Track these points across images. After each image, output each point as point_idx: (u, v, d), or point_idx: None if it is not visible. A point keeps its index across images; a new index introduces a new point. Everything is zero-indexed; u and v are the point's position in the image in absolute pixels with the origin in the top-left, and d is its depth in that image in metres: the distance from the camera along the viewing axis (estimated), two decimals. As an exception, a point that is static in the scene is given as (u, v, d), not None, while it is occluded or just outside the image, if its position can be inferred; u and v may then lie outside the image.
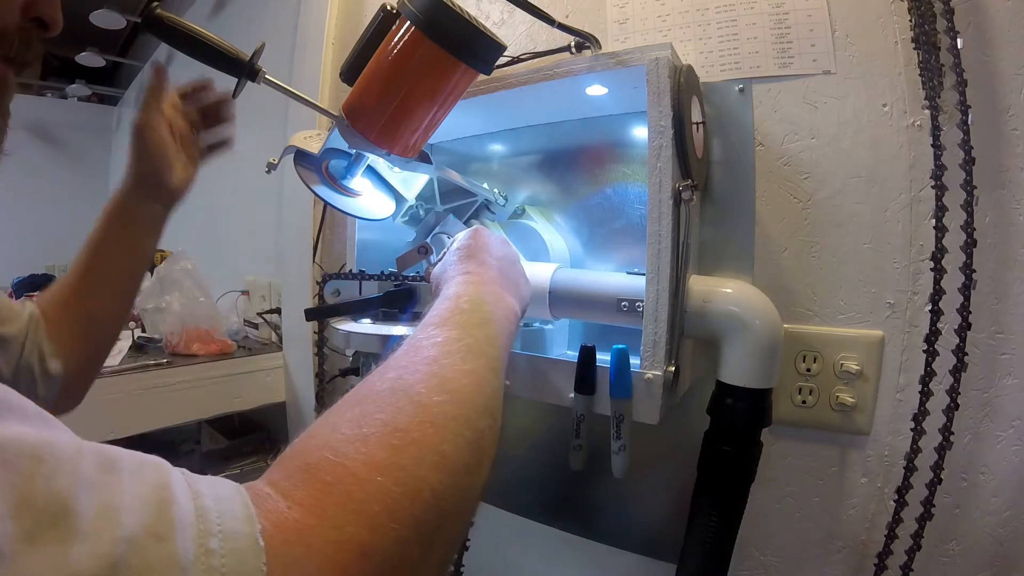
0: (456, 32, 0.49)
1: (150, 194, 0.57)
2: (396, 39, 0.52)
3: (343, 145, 0.60)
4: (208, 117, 0.62)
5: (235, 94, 0.57)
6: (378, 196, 0.71)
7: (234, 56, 0.54)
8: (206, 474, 0.23)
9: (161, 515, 0.19)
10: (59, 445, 0.19)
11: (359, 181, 0.68)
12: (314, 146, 0.64)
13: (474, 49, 0.51)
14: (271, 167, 0.66)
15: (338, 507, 0.23)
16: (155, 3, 0.53)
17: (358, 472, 0.24)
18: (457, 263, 0.49)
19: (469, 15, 0.49)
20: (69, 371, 0.56)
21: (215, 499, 0.21)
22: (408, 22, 0.50)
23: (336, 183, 0.66)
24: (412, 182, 0.75)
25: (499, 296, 0.44)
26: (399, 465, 0.25)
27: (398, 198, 0.74)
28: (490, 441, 0.31)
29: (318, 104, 0.59)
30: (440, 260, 0.54)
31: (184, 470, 0.23)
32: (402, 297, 0.66)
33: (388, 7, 0.53)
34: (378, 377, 0.31)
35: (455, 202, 0.78)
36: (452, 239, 0.56)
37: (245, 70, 0.54)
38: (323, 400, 1.10)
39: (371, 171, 0.70)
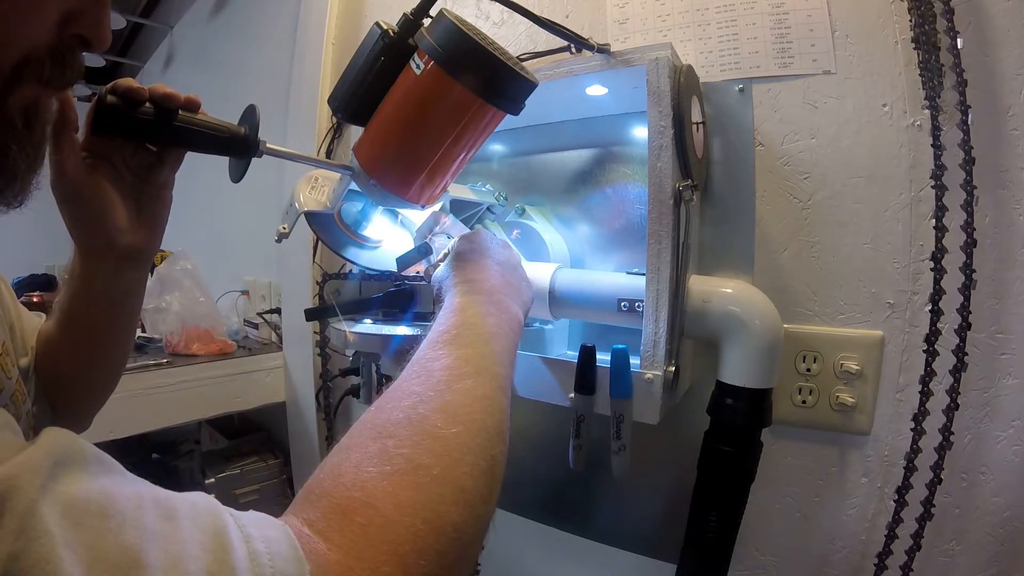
0: (490, 75, 0.43)
1: (109, 264, 0.44)
2: (418, 81, 0.44)
3: (352, 185, 0.54)
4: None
5: (237, 178, 0.47)
6: (396, 234, 0.68)
7: (227, 134, 0.43)
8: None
9: (222, 562, 0.21)
10: (120, 499, 0.21)
11: (376, 226, 0.65)
12: (323, 200, 0.58)
13: (509, 92, 0.45)
14: (281, 237, 0.59)
15: (373, 549, 0.25)
16: (100, 91, 0.39)
17: (389, 515, 0.26)
18: (458, 270, 0.48)
19: (502, 51, 0.43)
20: (71, 400, 0.51)
21: (265, 542, 0.23)
22: (428, 59, 0.44)
23: (351, 233, 0.62)
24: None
25: (503, 306, 0.44)
26: (424, 504, 0.27)
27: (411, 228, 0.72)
28: (501, 465, 0.33)
29: (333, 163, 0.53)
30: (440, 262, 0.54)
31: (231, 511, 0.25)
32: (403, 297, 0.66)
33: (389, 31, 0.46)
34: (393, 404, 0.32)
35: (460, 214, 0.78)
36: (451, 240, 0.56)
37: (243, 148, 0.44)
38: (323, 400, 1.10)
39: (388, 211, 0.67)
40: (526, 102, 0.48)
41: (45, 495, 0.19)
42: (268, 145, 0.45)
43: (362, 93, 0.47)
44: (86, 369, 0.51)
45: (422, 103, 0.45)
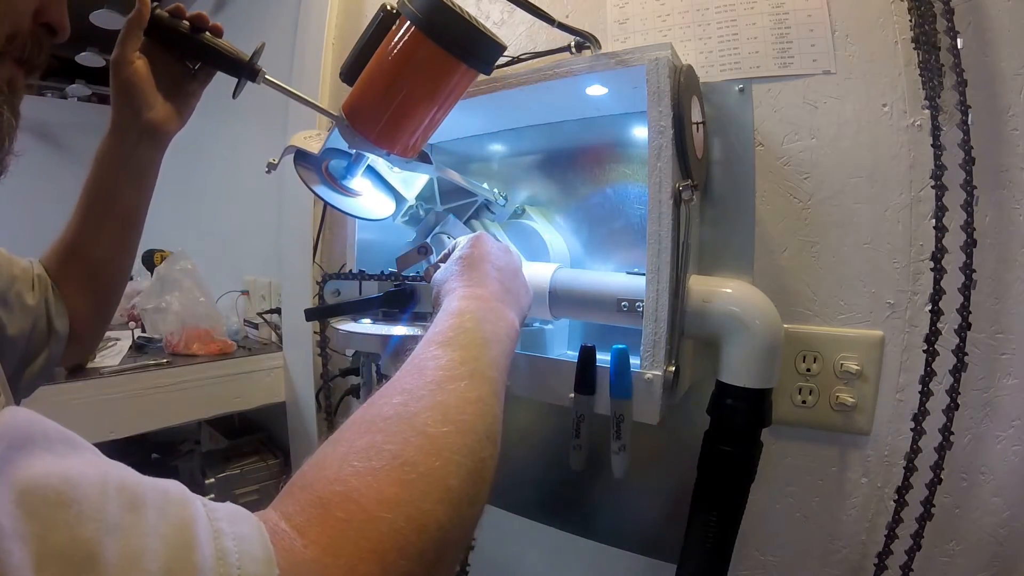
0: (456, 32, 0.49)
1: (133, 135, 0.55)
2: (396, 39, 0.52)
3: (343, 145, 0.60)
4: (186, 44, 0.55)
5: (235, 95, 0.56)
6: (378, 196, 0.71)
7: (234, 57, 0.54)
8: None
9: (184, 560, 0.20)
10: (83, 485, 0.20)
11: (359, 181, 0.68)
12: (314, 146, 0.64)
13: (474, 49, 0.50)
14: (271, 167, 0.66)
15: (352, 545, 0.24)
16: (155, 4, 0.52)
17: (371, 509, 0.25)
18: (459, 274, 0.49)
19: (469, 15, 0.49)
20: (76, 326, 0.56)
21: (236, 539, 0.22)
22: (408, 22, 0.50)
23: (336, 183, 0.66)
24: (412, 182, 0.75)
25: (500, 313, 0.45)
26: (408, 501, 0.26)
27: (398, 198, 0.74)
28: (490, 469, 0.32)
29: (318, 104, 0.59)
30: (441, 264, 0.54)
31: (204, 500, 0.23)
32: (402, 297, 0.66)
33: (388, 7, 0.53)
34: (384, 400, 0.32)
35: (455, 202, 0.78)
36: (454, 243, 0.56)
37: (245, 70, 0.54)
38: (323, 400, 1.10)
39: (371, 171, 0.70)
40: (494, 64, 0.54)
41: None
42: (267, 77, 0.54)
43: (356, 58, 0.55)
44: (115, 247, 0.59)
45: (398, 60, 0.52)
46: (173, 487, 0.23)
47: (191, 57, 0.55)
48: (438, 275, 0.52)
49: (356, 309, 0.67)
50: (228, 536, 0.22)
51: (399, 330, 0.64)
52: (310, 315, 0.75)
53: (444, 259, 0.56)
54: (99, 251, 0.58)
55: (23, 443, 0.20)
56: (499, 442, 0.34)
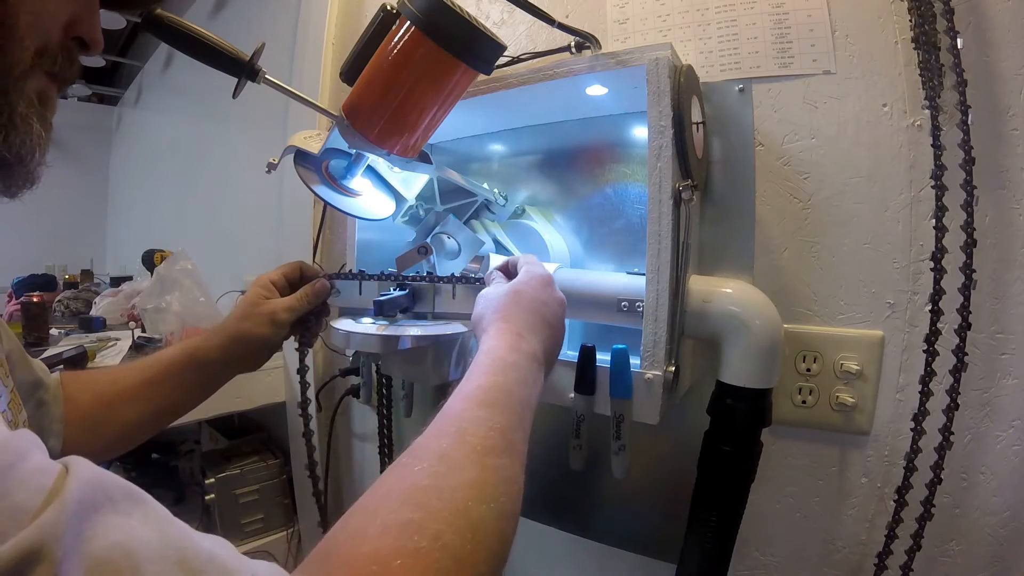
0: (456, 32, 0.49)
1: (230, 371, 0.61)
2: (396, 39, 0.52)
3: (343, 145, 0.60)
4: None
5: (235, 94, 0.57)
6: (378, 196, 0.71)
7: (234, 56, 0.54)
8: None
9: None
10: (146, 561, 0.20)
11: (359, 181, 0.68)
12: (314, 146, 0.64)
13: (474, 49, 0.50)
14: (271, 167, 0.66)
15: None
16: (156, 4, 0.53)
17: None
18: (506, 314, 0.46)
19: (469, 15, 0.49)
20: (68, 449, 0.55)
21: None
22: (408, 22, 0.50)
23: (336, 183, 0.66)
24: (412, 182, 0.75)
25: (538, 377, 0.43)
26: None
27: (398, 198, 0.74)
28: (509, 548, 0.32)
29: (318, 104, 0.59)
30: (485, 284, 0.53)
31: (254, 570, 0.24)
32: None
33: (388, 7, 0.53)
34: (422, 466, 0.31)
35: (455, 202, 0.78)
36: (516, 257, 0.55)
37: (245, 70, 0.54)
38: (323, 401, 1.10)
39: (371, 171, 0.70)
40: (494, 64, 0.54)
41: (67, 560, 0.19)
42: (267, 76, 0.54)
43: (356, 57, 0.55)
44: (147, 425, 0.59)
45: (399, 60, 0.52)
46: (227, 554, 0.23)
47: (191, 54, 0.56)
48: (489, 294, 0.49)
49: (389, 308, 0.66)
50: None
51: (399, 330, 0.64)
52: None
53: (506, 270, 0.55)
54: (126, 420, 0.58)
55: (94, 503, 0.21)
56: (518, 521, 0.33)
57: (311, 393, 1.07)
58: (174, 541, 0.22)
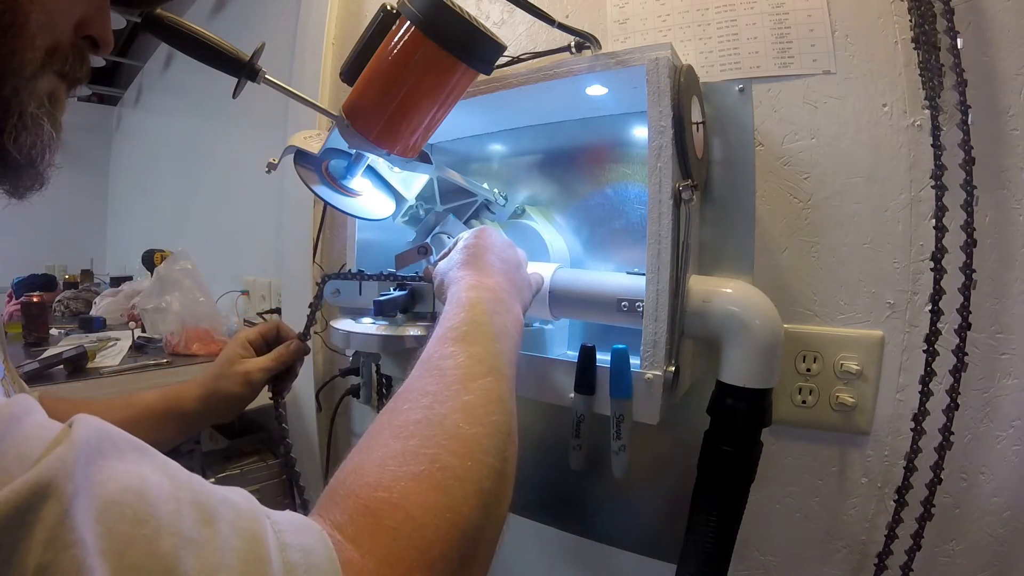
0: (456, 32, 0.49)
1: (206, 420, 0.65)
2: (396, 39, 0.52)
3: (343, 145, 0.60)
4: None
5: (235, 94, 0.57)
6: (378, 196, 0.71)
7: (234, 56, 0.54)
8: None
9: (258, 574, 0.21)
10: (159, 501, 0.20)
11: (359, 181, 0.68)
12: (314, 146, 0.64)
13: (474, 49, 0.50)
14: (271, 167, 0.66)
15: (404, 554, 0.25)
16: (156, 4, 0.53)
17: (417, 517, 0.26)
18: (463, 263, 0.49)
19: (469, 15, 0.49)
20: None
21: (302, 552, 0.22)
22: (408, 22, 0.50)
23: (336, 183, 0.66)
24: (412, 182, 0.75)
25: (507, 305, 0.44)
26: (449, 506, 0.27)
27: (398, 198, 0.74)
28: (513, 467, 0.32)
29: (318, 104, 0.59)
30: (443, 257, 0.54)
31: (268, 512, 0.24)
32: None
33: (388, 7, 0.53)
34: (410, 405, 0.32)
35: (455, 202, 0.78)
36: (455, 240, 0.56)
37: (245, 70, 0.54)
38: (322, 401, 1.10)
39: (371, 171, 0.70)
40: (494, 64, 0.54)
41: (78, 498, 0.19)
42: (267, 76, 0.55)
43: (356, 58, 0.55)
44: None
45: (399, 60, 0.52)
46: (240, 498, 0.24)
47: (191, 54, 0.56)
48: (442, 264, 0.51)
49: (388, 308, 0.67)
50: (294, 549, 0.22)
51: (400, 330, 0.64)
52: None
53: (448, 252, 0.56)
54: None
55: (100, 449, 0.21)
56: (516, 440, 0.34)
57: (311, 393, 1.07)
58: (186, 484, 0.22)
